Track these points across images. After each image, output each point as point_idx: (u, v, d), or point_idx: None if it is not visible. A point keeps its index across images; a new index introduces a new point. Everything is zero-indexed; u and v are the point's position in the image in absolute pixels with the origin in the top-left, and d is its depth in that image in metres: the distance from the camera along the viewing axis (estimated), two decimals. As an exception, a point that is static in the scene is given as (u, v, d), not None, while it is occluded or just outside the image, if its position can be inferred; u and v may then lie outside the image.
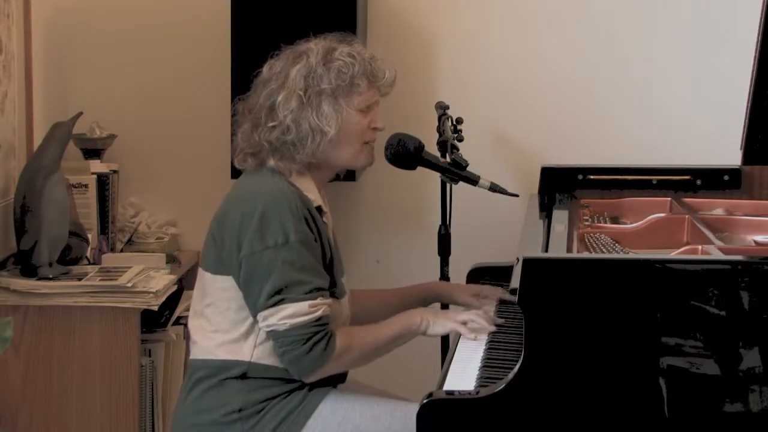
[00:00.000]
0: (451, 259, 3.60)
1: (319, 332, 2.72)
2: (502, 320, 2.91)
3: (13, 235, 3.53)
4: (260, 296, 2.71)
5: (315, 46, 2.85)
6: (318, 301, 2.72)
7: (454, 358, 2.77)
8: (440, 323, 2.88)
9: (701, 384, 2.36)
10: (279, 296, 2.70)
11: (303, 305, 2.70)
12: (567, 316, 2.38)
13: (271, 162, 2.82)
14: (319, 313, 2.72)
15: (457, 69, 4.08)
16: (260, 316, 2.73)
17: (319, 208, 2.84)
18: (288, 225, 2.73)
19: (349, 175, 3.81)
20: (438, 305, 3.31)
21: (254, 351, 2.78)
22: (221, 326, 2.80)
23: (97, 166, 3.86)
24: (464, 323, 2.87)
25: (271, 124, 2.80)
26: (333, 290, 2.83)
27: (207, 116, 4.05)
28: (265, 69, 2.87)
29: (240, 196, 2.82)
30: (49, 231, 3.46)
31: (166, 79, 4.10)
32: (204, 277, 2.85)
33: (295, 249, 2.72)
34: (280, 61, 2.86)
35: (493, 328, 2.86)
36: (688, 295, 2.36)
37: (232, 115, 2.95)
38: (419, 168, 3.26)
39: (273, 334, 2.73)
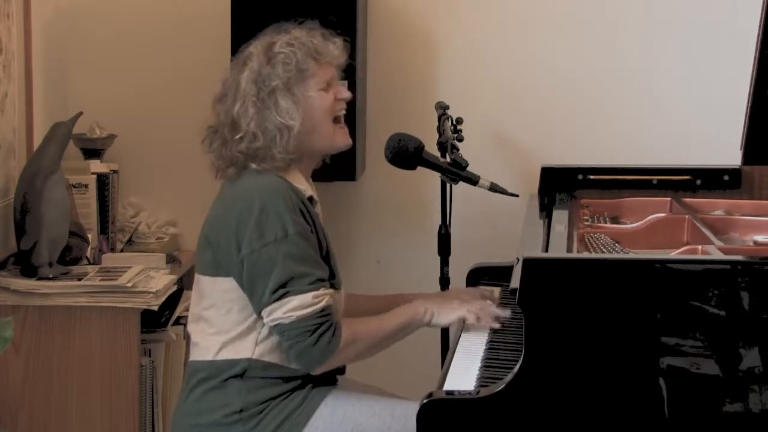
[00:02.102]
0: (451, 259, 3.60)
1: (325, 323, 2.72)
2: (507, 313, 2.91)
3: (13, 235, 3.53)
4: (264, 293, 2.72)
5: (255, 49, 2.85)
6: (321, 291, 2.73)
7: (455, 358, 2.77)
8: (444, 314, 2.89)
9: (701, 384, 2.36)
10: (283, 290, 2.71)
11: (307, 297, 2.71)
12: (567, 316, 2.38)
13: (253, 165, 2.82)
14: (323, 304, 2.72)
15: (457, 69, 4.08)
16: (265, 311, 2.73)
17: (311, 199, 2.85)
18: (286, 218, 2.73)
19: (349, 175, 3.82)
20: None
21: (255, 348, 2.78)
22: (223, 327, 2.80)
23: (97, 166, 3.86)
24: (468, 311, 2.88)
25: (237, 137, 2.80)
26: (332, 282, 2.83)
27: (207, 116, 4.02)
28: (220, 87, 2.88)
29: (234, 197, 2.80)
30: (49, 231, 3.46)
31: (166, 79, 4.10)
32: (201, 281, 2.85)
33: (294, 242, 2.72)
34: (230, 73, 2.86)
35: (497, 325, 2.86)
36: (688, 295, 2.36)
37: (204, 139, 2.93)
38: (419, 168, 3.26)
39: (278, 328, 2.73)
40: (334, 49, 2.89)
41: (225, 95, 2.85)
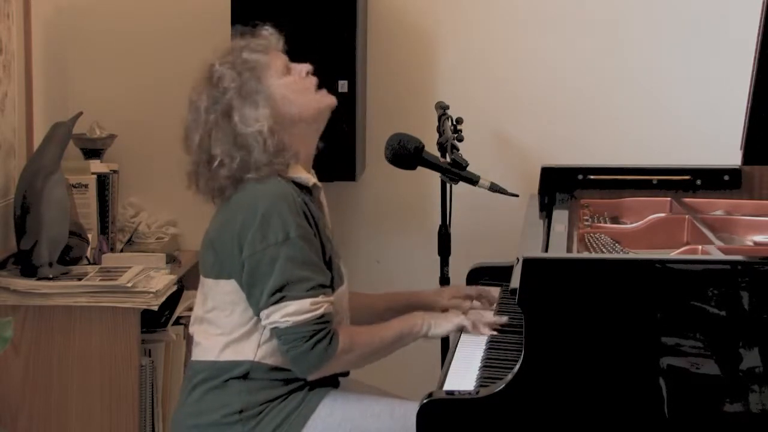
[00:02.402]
0: (451, 259, 3.60)
1: (321, 330, 2.71)
2: (505, 319, 2.91)
3: (13, 235, 3.53)
4: (263, 295, 2.71)
5: (198, 85, 2.85)
6: (320, 298, 2.72)
7: (454, 358, 2.77)
8: (441, 324, 2.88)
9: (701, 384, 2.37)
10: (281, 294, 2.70)
11: (305, 303, 2.70)
12: (567, 316, 2.38)
13: (249, 176, 2.79)
14: (321, 311, 2.72)
15: (457, 69, 4.08)
16: (263, 314, 2.73)
17: (314, 186, 2.84)
18: (288, 221, 2.72)
19: (349, 175, 3.82)
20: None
21: (258, 350, 2.78)
22: (226, 328, 2.80)
23: (97, 166, 3.86)
24: (465, 318, 2.88)
25: (215, 165, 2.78)
26: (332, 285, 2.82)
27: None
28: (185, 134, 2.87)
29: (239, 202, 2.78)
30: (49, 231, 3.46)
31: (166, 79, 4.10)
32: (205, 284, 2.85)
33: (296, 244, 2.72)
34: (189, 114, 2.85)
35: (493, 332, 2.86)
36: (688, 295, 2.36)
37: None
38: (419, 168, 3.26)
39: (276, 332, 2.73)
40: (269, 36, 2.90)
41: (193, 133, 2.84)
